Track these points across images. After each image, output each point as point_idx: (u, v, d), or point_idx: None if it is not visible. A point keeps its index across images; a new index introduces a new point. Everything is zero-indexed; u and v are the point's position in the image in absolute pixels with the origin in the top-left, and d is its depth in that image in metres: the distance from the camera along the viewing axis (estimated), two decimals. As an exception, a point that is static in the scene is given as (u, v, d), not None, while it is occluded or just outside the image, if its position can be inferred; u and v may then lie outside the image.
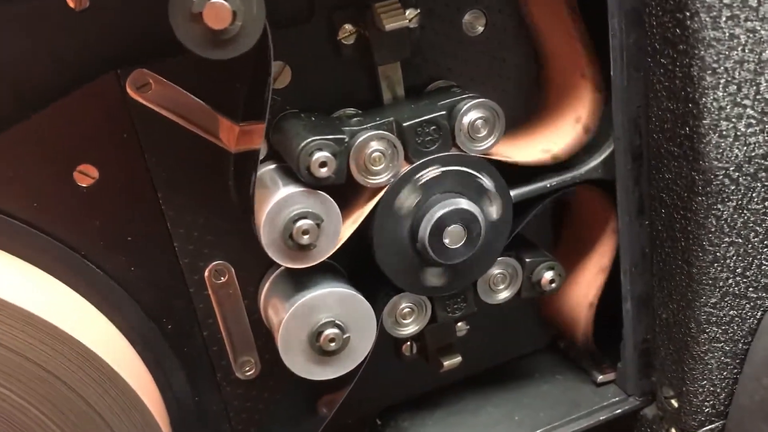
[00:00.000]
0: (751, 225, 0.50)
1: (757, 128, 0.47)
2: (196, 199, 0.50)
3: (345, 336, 0.50)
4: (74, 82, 0.46)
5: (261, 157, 0.50)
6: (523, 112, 0.57)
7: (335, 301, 0.50)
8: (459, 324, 0.61)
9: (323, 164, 0.46)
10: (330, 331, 0.49)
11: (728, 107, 0.46)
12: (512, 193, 0.53)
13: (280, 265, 0.52)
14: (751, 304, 0.52)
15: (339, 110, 0.52)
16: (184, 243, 0.51)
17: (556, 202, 0.62)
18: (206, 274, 0.52)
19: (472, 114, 0.49)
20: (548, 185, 0.54)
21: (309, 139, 0.46)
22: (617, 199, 0.54)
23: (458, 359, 0.58)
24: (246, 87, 0.48)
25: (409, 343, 0.60)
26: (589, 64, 0.53)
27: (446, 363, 0.58)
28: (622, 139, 0.52)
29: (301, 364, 0.50)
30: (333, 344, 0.49)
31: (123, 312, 0.51)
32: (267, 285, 0.53)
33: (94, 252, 0.49)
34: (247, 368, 0.56)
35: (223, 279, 0.53)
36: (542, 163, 0.54)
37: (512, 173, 0.53)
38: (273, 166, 0.51)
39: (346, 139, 0.47)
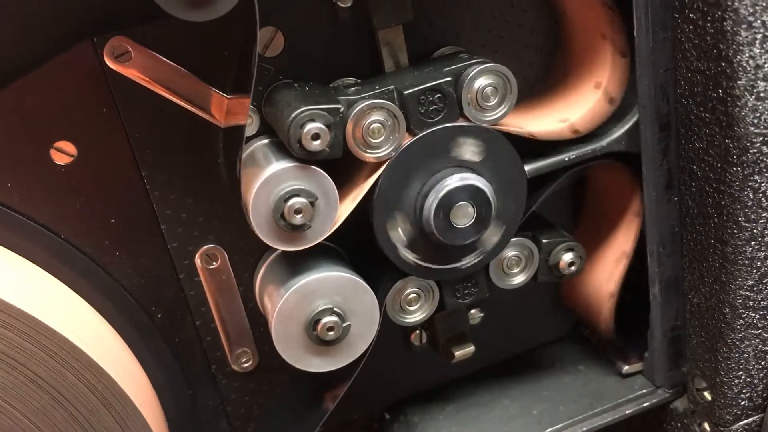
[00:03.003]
0: (792, 198, 0.45)
1: (800, 89, 0.42)
2: (184, 177, 0.47)
3: (345, 324, 0.46)
4: (46, 53, 0.43)
5: (254, 131, 0.48)
6: (540, 82, 0.54)
7: (334, 286, 0.46)
8: (472, 311, 0.58)
9: (316, 136, 0.42)
10: (328, 319, 0.46)
11: (766, 66, 0.41)
12: (527, 167, 0.49)
13: (275, 249, 0.49)
14: (793, 286, 0.48)
15: (337, 80, 0.48)
16: (171, 225, 0.48)
17: (574, 185, 0.58)
18: (197, 258, 0.49)
19: (480, 80, 0.45)
20: (566, 158, 0.50)
21: (300, 110, 0.42)
22: (643, 173, 0.50)
23: (471, 349, 0.55)
24: (235, 55, 0.45)
25: (418, 331, 0.57)
26: (610, 24, 0.48)
27: (458, 353, 0.55)
28: (648, 107, 0.48)
29: (297, 355, 0.47)
30: (332, 333, 0.46)
31: (109, 300, 0.49)
32: (262, 270, 0.50)
33: (75, 235, 0.47)
34: (244, 360, 0.53)
35: (215, 264, 0.50)
36: (561, 136, 0.50)
37: (527, 147, 0.49)
38: (266, 141, 0.47)
39: (342, 109, 0.43)
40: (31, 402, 0.42)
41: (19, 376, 0.41)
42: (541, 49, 0.52)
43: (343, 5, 0.46)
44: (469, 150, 0.46)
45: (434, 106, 0.45)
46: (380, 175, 0.45)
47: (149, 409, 0.48)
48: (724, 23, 0.41)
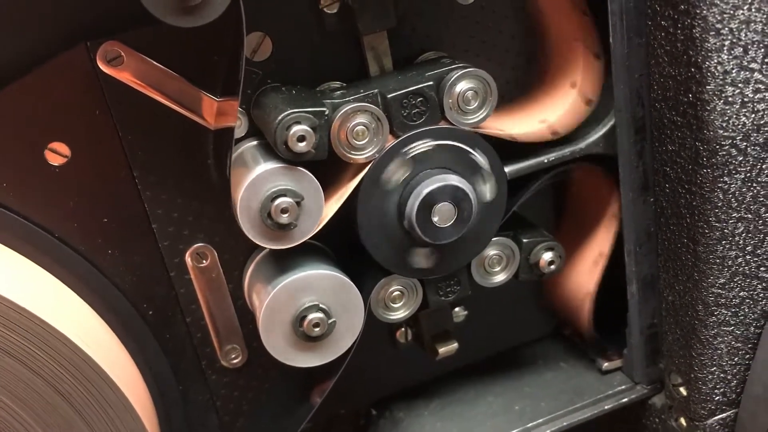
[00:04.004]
0: (761, 199, 0.46)
1: (767, 94, 0.43)
2: (175, 178, 0.48)
3: (330, 321, 0.47)
4: (41, 57, 0.44)
5: (242, 133, 0.49)
6: (521, 86, 0.55)
7: (319, 283, 0.47)
8: (456, 309, 0.59)
9: (302, 138, 0.44)
10: (314, 316, 0.47)
11: (734, 71, 0.43)
12: (507, 169, 0.51)
13: (264, 248, 0.50)
14: (763, 284, 0.49)
15: (323, 84, 0.49)
16: (163, 224, 0.49)
17: (555, 187, 0.60)
18: (187, 257, 0.50)
19: (461, 85, 0.47)
20: (546, 160, 0.51)
21: (286, 112, 0.43)
22: (620, 175, 0.51)
23: (454, 346, 0.56)
24: (224, 59, 0.46)
25: (404, 329, 0.58)
26: (584, 28, 0.50)
27: (442, 350, 0.56)
28: (624, 111, 0.49)
29: (284, 351, 0.48)
30: (317, 329, 0.47)
31: (101, 297, 0.49)
32: (251, 268, 0.51)
33: (69, 234, 0.48)
34: (233, 356, 0.54)
35: (205, 262, 0.51)
36: (540, 138, 0.51)
37: (508, 149, 0.50)
38: (254, 142, 0.49)
39: (327, 112, 0.44)
40: (21, 393, 0.43)
41: (10, 369, 0.43)
42: (521, 54, 0.54)
43: (329, 11, 0.47)
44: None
45: (417, 110, 0.47)
46: (364, 175, 0.47)
47: (141, 403, 0.49)
48: (694, 30, 0.42)
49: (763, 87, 0.43)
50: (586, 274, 0.57)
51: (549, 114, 0.51)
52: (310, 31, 0.48)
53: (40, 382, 0.43)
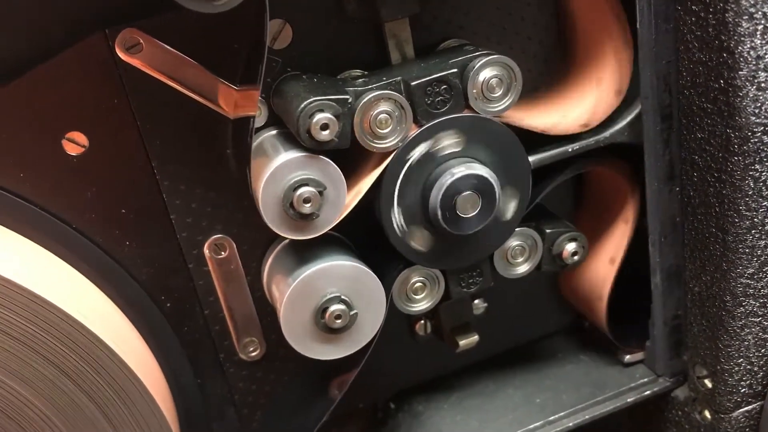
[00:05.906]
0: (792, 187, 0.46)
1: (800, 80, 0.43)
2: (194, 168, 0.48)
3: (352, 312, 0.47)
4: (59, 45, 0.43)
5: (262, 123, 0.48)
6: (545, 75, 0.54)
7: (341, 275, 0.47)
8: (476, 301, 0.58)
9: (325, 126, 0.43)
10: (336, 308, 0.46)
11: (767, 56, 0.42)
12: (531, 158, 0.50)
13: (283, 239, 0.50)
14: (793, 275, 0.49)
15: (344, 72, 0.49)
16: (181, 215, 0.49)
17: (576, 180, 0.59)
18: (205, 248, 0.50)
19: (486, 72, 0.46)
20: (570, 149, 0.51)
21: (309, 100, 0.43)
22: (645, 165, 0.51)
23: (475, 338, 0.55)
24: (244, 47, 0.45)
25: (423, 321, 0.57)
26: (614, 17, 0.49)
27: (462, 342, 0.55)
28: (651, 98, 0.48)
29: (305, 343, 0.48)
30: (339, 321, 0.47)
31: (119, 289, 0.49)
32: (270, 260, 0.51)
33: (87, 225, 0.47)
34: (252, 349, 0.53)
35: (223, 254, 0.50)
36: (571, 131, 0.51)
37: (531, 138, 0.50)
38: (274, 132, 0.48)
39: (350, 100, 0.44)
40: (38, 384, 0.42)
41: (32, 362, 0.42)
42: (544, 42, 0.53)
43: (350, -2, 0.47)
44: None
45: (440, 97, 0.46)
46: (387, 165, 0.46)
47: (160, 396, 0.49)
48: (726, 14, 0.41)
49: (796, 73, 0.43)
50: (602, 275, 0.57)
51: (579, 106, 0.50)
52: (331, 19, 0.47)
53: (57, 373, 0.43)
